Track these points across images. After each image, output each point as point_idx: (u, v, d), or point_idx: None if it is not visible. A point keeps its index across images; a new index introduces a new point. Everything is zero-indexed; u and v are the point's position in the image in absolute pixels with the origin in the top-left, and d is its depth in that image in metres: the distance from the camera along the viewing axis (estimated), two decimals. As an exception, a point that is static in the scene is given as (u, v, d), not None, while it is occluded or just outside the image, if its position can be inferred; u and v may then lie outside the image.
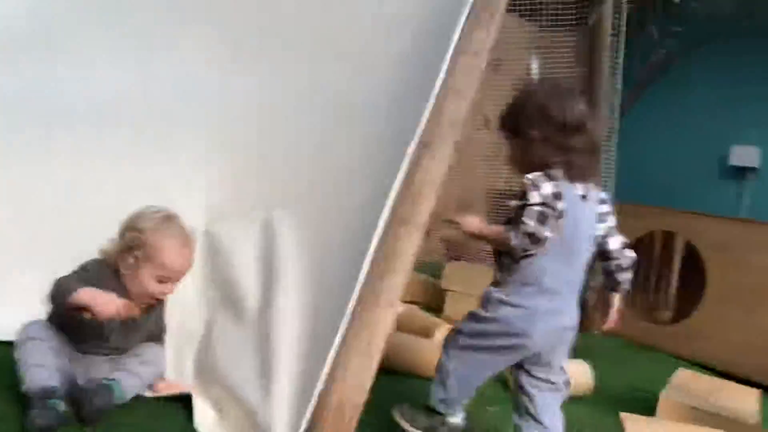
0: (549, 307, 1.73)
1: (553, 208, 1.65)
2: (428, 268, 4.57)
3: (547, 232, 1.64)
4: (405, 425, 1.85)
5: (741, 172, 5.94)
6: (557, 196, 1.66)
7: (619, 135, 4.94)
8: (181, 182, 2.20)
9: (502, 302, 1.73)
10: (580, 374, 2.70)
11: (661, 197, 5.28)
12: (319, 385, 1.61)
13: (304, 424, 1.60)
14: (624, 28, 3.58)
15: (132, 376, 1.81)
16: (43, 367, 1.69)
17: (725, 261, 3.36)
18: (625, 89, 4.65)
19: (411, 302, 3.86)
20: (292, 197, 2.06)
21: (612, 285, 1.87)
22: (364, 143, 1.92)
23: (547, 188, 1.66)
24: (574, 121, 1.70)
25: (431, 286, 3.95)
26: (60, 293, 1.71)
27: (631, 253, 1.83)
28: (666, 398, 2.36)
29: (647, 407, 2.58)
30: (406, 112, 1.85)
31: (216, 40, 2.30)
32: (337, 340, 1.64)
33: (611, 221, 1.83)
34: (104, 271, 1.85)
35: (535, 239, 1.64)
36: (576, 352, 3.32)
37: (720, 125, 6.04)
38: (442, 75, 1.81)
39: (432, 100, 1.79)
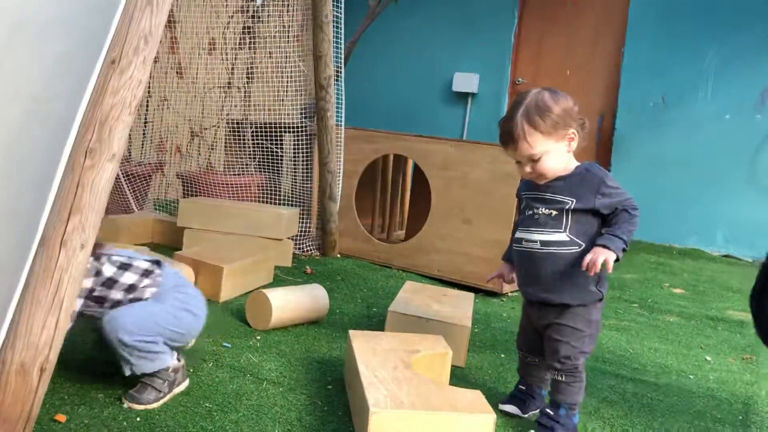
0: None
1: None
2: (165, 207, 4.32)
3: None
4: (138, 407, 1.79)
5: (463, 97, 6.45)
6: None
7: (353, 63, 5.02)
8: None
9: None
10: (318, 298, 2.72)
11: (394, 122, 5.53)
12: (-2, 347, 1.37)
13: (-20, 394, 1.36)
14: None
15: None
16: None
17: (447, 179, 3.61)
18: (357, 18, 4.70)
19: (147, 244, 3.64)
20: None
21: None
22: (43, 63, 1.63)
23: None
24: None
25: (168, 225, 3.76)
26: None
27: None
28: (392, 311, 2.46)
29: (380, 322, 2.70)
30: (91, 25, 1.59)
31: None
32: (18, 291, 1.40)
33: None
34: None
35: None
36: (314, 277, 3.40)
37: (445, 53, 6.46)
38: (132, -17, 1.58)
39: (120, 11, 1.56)
